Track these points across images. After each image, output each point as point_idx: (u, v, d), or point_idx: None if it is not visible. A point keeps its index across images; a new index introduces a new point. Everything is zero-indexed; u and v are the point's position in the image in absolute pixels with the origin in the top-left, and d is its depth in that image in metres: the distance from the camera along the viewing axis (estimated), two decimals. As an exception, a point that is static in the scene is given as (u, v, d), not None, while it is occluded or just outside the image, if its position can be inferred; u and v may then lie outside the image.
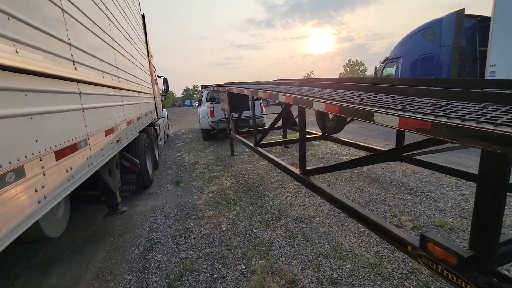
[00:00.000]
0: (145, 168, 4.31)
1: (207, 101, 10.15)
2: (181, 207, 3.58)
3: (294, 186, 4.04)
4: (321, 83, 3.23)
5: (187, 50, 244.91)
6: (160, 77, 9.42)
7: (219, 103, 8.19)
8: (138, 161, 3.66)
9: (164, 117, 9.27)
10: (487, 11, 8.38)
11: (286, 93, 2.53)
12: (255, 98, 4.40)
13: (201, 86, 8.84)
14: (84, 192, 2.94)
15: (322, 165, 2.89)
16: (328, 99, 1.94)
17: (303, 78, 6.52)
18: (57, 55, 1.48)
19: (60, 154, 1.41)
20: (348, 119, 4.17)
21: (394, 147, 3.16)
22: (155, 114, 6.64)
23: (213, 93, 10.29)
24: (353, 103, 1.66)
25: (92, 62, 2.05)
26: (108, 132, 2.24)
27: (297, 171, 2.82)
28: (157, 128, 6.30)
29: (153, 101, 6.45)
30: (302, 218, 2.99)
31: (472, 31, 8.84)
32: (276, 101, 6.34)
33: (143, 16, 6.32)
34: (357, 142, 4.07)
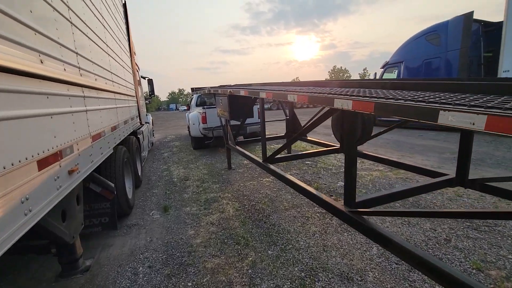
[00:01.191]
0: (122, 191, 3.30)
1: (197, 105, 9.17)
2: (172, 251, 2.60)
3: (318, 214, 3.17)
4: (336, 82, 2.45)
5: (172, 53, 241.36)
6: (144, 78, 8.37)
7: (213, 107, 7.27)
8: (113, 185, 2.67)
9: (148, 123, 8.21)
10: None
11: (345, 95, 1.66)
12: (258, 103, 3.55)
13: (192, 89, 7.86)
14: (27, 243, 1.94)
15: (377, 195, 2.04)
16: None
17: (297, 81, 5.75)
18: None
19: None
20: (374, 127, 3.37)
21: (456, 167, 2.37)
22: (138, 120, 5.61)
23: (204, 97, 9.34)
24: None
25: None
26: (49, 159, 1.27)
27: (342, 207, 1.96)
28: (141, 136, 5.27)
29: (136, 105, 5.42)
30: (348, 273, 2.12)
31: (476, 36, 8.46)
32: (281, 106, 5.53)
33: (124, 4, 5.32)
34: (391, 159, 3.26)
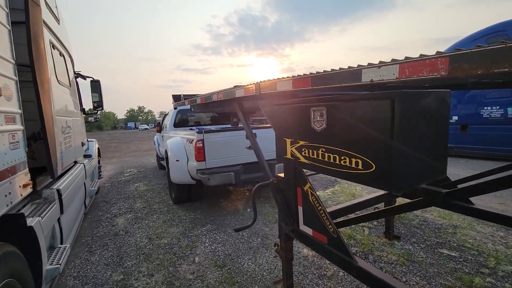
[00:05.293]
0: None
1: (176, 125, 5.82)
2: None
3: None
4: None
5: (131, 70, 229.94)
6: (85, 77, 4.82)
7: (219, 131, 4.06)
8: None
9: (92, 156, 4.64)
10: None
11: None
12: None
13: (174, 97, 4.56)
14: None
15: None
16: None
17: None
18: None
19: None
20: None
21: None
22: (68, 158, 2.18)
23: (193, 113, 6.04)
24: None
25: None
26: None
27: None
28: (67, 195, 1.86)
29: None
30: None
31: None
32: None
33: None
34: None
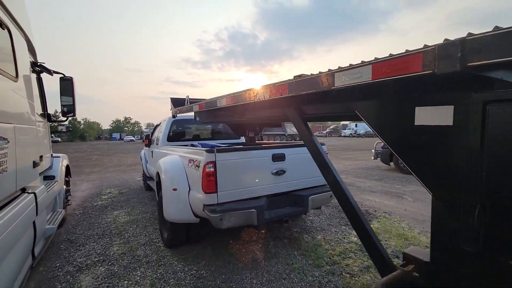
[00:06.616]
0: None
1: (170, 138, 4.71)
2: None
3: None
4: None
5: (118, 80, 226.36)
6: (51, 72, 3.65)
7: (230, 149, 2.94)
8: None
9: (55, 178, 3.45)
10: None
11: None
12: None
13: (173, 101, 3.45)
14: None
15: None
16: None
17: None
18: None
19: None
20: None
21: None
22: None
23: (191, 125, 4.97)
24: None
25: None
26: None
27: None
28: None
29: None
30: None
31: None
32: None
33: None
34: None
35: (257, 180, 2.79)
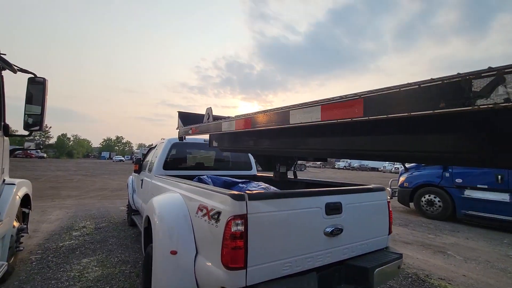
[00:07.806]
0: None
1: (167, 166, 3.73)
2: None
3: None
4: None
5: (113, 100, 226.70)
6: (15, 69, 2.71)
7: (268, 194, 1.88)
8: None
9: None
10: None
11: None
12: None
13: (181, 116, 2.53)
14: None
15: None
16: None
17: None
18: None
19: None
20: None
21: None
22: None
23: (208, 149, 4.05)
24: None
25: None
26: None
27: None
28: None
29: None
30: None
31: None
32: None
33: None
34: None
35: (302, 245, 1.79)
